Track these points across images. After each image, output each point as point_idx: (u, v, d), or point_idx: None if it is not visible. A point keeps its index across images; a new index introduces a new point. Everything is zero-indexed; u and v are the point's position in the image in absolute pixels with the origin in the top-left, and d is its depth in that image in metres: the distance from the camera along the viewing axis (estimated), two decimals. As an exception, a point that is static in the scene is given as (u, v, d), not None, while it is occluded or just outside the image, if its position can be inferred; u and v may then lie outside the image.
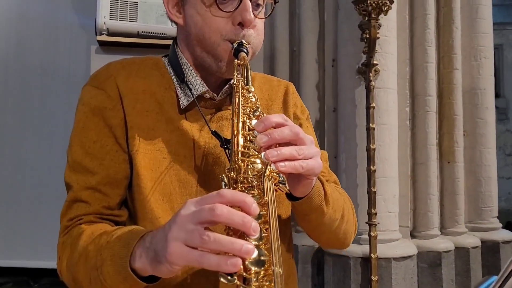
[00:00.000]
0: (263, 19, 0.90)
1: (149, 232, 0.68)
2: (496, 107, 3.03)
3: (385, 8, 1.91)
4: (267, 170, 0.69)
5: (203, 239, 0.58)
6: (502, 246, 2.64)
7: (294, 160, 0.71)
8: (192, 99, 0.89)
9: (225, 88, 0.92)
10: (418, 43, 2.56)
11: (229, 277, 0.59)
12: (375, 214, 2.10)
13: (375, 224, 2.09)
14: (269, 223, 0.65)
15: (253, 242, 0.61)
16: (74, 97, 3.43)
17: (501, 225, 2.78)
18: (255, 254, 0.61)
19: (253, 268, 0.60)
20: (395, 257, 2.23)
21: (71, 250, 0.78)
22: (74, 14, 3.52)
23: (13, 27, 3.53)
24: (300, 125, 1.03)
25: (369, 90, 2.11)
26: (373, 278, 2.09)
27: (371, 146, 2.11)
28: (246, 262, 0.60)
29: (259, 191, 0.69)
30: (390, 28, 2.34)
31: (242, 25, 0.84)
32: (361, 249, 2.23)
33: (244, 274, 0.60)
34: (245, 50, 0.83)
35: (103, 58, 2.44)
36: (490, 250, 2.63)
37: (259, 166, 0.70)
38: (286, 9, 2.82)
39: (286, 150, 0.70)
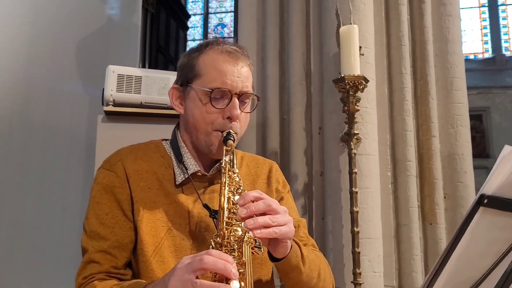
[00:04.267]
0: (248, 113, 1.12)
1: (150, 283, 0.85)
2: (486, 168, 3.20)
3: (361, 87, 2.16)
4: (245, 237, 0.87)
5: (194, 287, 0.75)
6: (486, 306, 2.73)
7: (269, 227, 0.88)
8: (187, 176, 1.07)
9: (215, 166, 1.12)
10: (397, 113, 2.79)
11: None
12: (360, 273, 2.22)
13: (360, 284, 2.21)
14: (246, 279, 0.82)
15: None
16: (74, 159, 3.52)
17: (485, 285, 2.87)
18: None
19: None
20: (381, 316, 2.32)
21: None
22: (80, 84, 3.76)
23: (19, 89, 3.61)
24: (282, 198, 1.21)
25: (351, 157, 2.31)
26: (359, 337, 2.18)
27: (354, 209, 2.27)
28: None
29: (239, 253, 0.86)
30: (370, 100, 2.58)
31: (230, 118, 1.05)
32: (347, 308, 2.32)
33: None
34: (232, 138, 1.03)
35: (109, 126, 2.61)
36: (475, 310, 2.71)
37: (240, 233, 0.88)
38: (277, 82, 3.08)
39: (261, 219, 0.88)
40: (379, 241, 2.46)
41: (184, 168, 1.09)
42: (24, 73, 3.71)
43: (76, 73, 3.82)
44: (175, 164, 1.11)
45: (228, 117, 1.05)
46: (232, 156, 1.01)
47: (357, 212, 2.28)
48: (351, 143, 2.31)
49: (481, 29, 10.73)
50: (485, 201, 0.56)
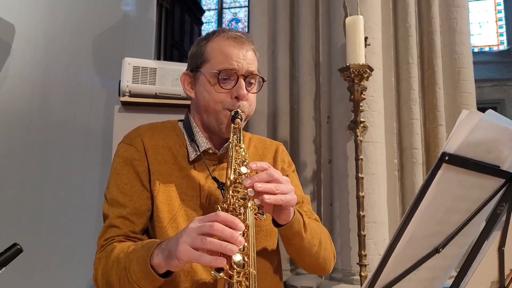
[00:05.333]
0: (255, 93, 1.21)
1: (164, 240, 0.96)
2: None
3: (366, 75, 2.24)
4: (249, 204, 0.97)
5: (203, 242, 0.85)
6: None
7: (274, 194, 0.98)
8: (199, 153, 1.18)
9: (225, 145, 1.21)
10: (404, 102, 2.86)
11: (219, 273, 0.85)
12: (365, 255, 2.31)
13: (365, 265, 2.30)
14: (249, 240, 0.92)
15: (238, 253, 0.88)
16: (91, 150, 3.60)
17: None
18: (238, 258, 0.88)
19: (236, 266, 0.87)
20: (386, 297, 2.41)
21: (106, 261, 1.05)
22: (97, 78, 3.87)
23: (39, 85, 3.69)
24: (287, 176, 1.30)
25: (357, 144, 2.39)
26: (365, 316, 2.27)
27: (360, 194, 2.36)
28: (232, 264, 0.87)
29: (244, 218, 0.96)
30: (376, 89, 2.66)
31: (237, 98, 1.14)
32: (354, 289, 2.42)
33: (230, 271, 0.86)
34: (239, 117, 1.12)
35: (126, 116, 2.72)
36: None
37: (244, 200, 0.98)
38: (287, 73, 3.18)
39: (268, 185, 0.98)
40: (384, 225, 2.55)
41: (196, 146, 1.19)
42: (43, 68, 3.81)
43: (93, 68, 3.92)
44: (188, 143, 1.21)
45: (236, 96, 1.14)
46: (239, 134, 1.10)
47: (363, 197, 2.37)
48: (357, 130, 2.40)
49: (496, 21, 10.62)
50: (446, 158, 0.64)
